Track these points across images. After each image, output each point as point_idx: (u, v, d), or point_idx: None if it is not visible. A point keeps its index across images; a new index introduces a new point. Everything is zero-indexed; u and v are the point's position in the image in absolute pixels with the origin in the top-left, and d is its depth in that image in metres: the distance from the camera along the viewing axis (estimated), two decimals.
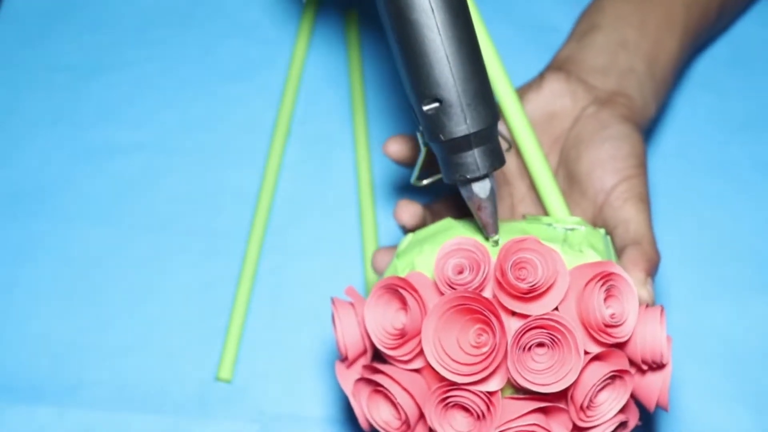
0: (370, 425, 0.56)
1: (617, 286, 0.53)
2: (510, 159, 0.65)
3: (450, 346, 0.52)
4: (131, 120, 0.78)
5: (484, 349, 0.51)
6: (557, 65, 0.67)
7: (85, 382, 0.69)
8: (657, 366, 0.55)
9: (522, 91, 0.65)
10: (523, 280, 0.52)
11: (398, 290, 0.53)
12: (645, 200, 0.60)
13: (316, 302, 0.71)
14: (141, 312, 0.71)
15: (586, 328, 0.53)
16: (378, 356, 0.57)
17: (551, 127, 0.65)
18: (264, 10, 0.82)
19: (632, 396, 0.56)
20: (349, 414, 0.68)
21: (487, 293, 0.53)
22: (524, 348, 0.52)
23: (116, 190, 0.75)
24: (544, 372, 0.52)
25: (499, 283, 0.52)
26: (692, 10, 0.69)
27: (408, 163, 0.64)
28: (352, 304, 0.56)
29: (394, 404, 0.54)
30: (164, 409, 0.68)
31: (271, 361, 0.70)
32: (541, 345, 0.52)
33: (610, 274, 0.53)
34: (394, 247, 0.64)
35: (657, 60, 0.67)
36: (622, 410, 0.55)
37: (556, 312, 0.52)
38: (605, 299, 0.53)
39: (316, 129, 0.77)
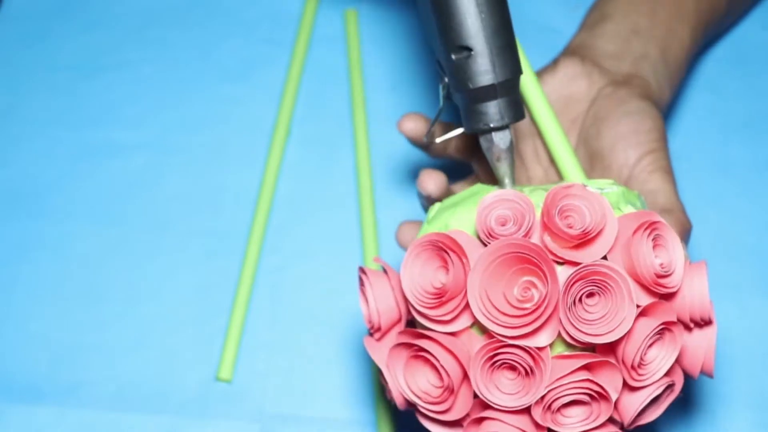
0: (406, 401, 0.53)
1: (663, 236, 0.51)
2: (526, 143, 0.65)
3: (497, 299, 0.50)
4: (131, 120, 0.78)
5: (534, 300, 0.49)
6: (570, 51, 0.67)
7: (85, 382, 0.69)
8: (704, 323, 0.53)
9: (539, 75, 0.65)
10: (571, 225, 0.50)
11: (439, 246, 0.51)
12: (670, 172, 0.60)
13: (316, 302, 0.71)
14: (141, 312, 0.71)
15: (636, 279, 0.51)
16: (410, 327, 0.55)
17: (568, 110, 0.64)
18: (264, 9, 0.82)
19: (678, 362, 0.54)
20: (349, 414, 0.68)
21: None
22: (575, 298, 0.49)
23: (116, 190, 0.75)
24: (597, 322, 0.50)
25: (547, 229, 0.50)
26: (701, 2, 0.69)
27: (422, 142, 0.64)
28: (384, 272, 0.54)
29: (435, 370, 0.52)
30: (164, 409, 0.68)
31: (271, 361, 0.70)
32: (591, 295, 0.50)
33: (656, 222, 0.51)
34: (419, 222, 0.63)
35: (670, 47, 0.67)
36: (668, 373, 0.53)
37: (606, 260, 0.50)
38: (652, 249, 0.51)
39: (316, 129, 0.77)
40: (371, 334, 0.55)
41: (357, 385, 0.69)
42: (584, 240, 0.50)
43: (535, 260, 0.49)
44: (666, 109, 0.66)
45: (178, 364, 0.69)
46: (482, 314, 0.50)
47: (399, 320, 0.54)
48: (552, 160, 0.64)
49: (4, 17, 0.81)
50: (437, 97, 0.78)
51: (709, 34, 0.72)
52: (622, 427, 0.53)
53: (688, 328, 0.54)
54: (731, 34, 0.80)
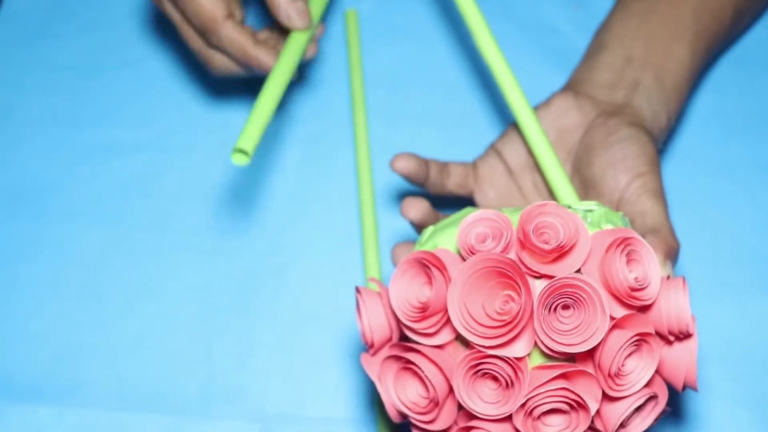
0: (399, 414, 0.56)
1: (637, 251, 0.53)
2: (517, 151, 0.67)
3: (476, 311, 0.52)
4: (131, 120, 0.78)
5: (510, 312, 0.51)
6: (567, 86, 0.68)
7: (85, 382, 0.69)
8: (683, 336, 0.54)
9: (533, 110, 0.66)
10: (546, 241, 0.52)
11: (424, 263, 0.53)
12: (660, 194, 0.61)
13: (316, 302, 0.71)
14: (141, 312, 0.71)
15: (611, 292, 0.53)
16: (404, 342, 0.57)
17: (562, 142, 0.66)
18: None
19: (659, 374, 0.56)
20: (349, 414, 0.68)
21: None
22: (550, 309, 0.52)
23: (116, 190, 0.75)
24: (571, 332, 0.52)
25: (522, 245, 0.53)
26: (702, 17, 0.70)
27: (417, 179, 0.66)
28: (378, 292, 0.57)
29: (422, 381, 0.54)
30: (164, 409, 0.68)
31: (271, 361, 0.70)
32: (566, 307, 0.52)
33: (630, 238, 0.53)
34: (413, 242, 0.66)
35: (666, 70, 0.68)
36: (649, 385, 0.55)
37: (580, 273, 0.52)
38: (627, 263, 0.53)
39: (316, 129, 0.77)
40: (368, 351, 0.57)
41: (357, 385, 0.69)
42: (558, 254, 0.52)
43: (510, 273, 0.52)
44: (664, 134, 0.67)
45: (178, 364, 0.69)
46: (461, 325, 0.52)
47: (390, 337, 0.57)
48: (550, 192, 0.65)
49: (4, 17, 0.82)
50: (436, 96, 0.78)
51: (717, 47, 0.72)
52: None
53: (668, 342, 0.55)
54: None
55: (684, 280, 0.54)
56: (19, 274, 0.72)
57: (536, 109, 0.67)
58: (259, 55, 0.66)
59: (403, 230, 0.73)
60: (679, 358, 0.55)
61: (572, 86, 0.68)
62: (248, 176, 0.75)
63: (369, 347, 0.57)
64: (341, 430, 0.68)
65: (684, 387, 0.56)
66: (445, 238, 0.56)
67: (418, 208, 0.64)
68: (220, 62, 0.69)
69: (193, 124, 0.77)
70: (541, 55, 0.78)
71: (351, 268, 0.72)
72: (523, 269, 0.53)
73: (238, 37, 0.66)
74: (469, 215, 0.54)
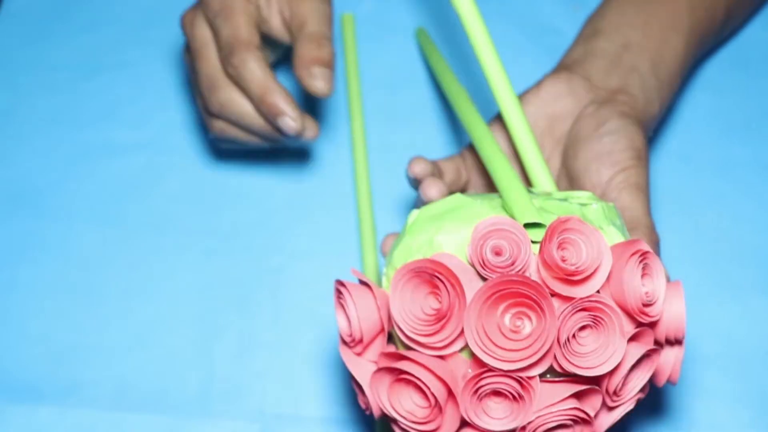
0: (382, 412, 0.54)
1: (650, 265, 0.52)
2: (504, 137, 0.65)
3: (493, 332, 0.50)
4: (131, 120, 0.78)
5: (530, 334, 0.50)
6: (561, 68, 0.67)
7: (85, 382, 0.69)
8: (677, 342, 0.54)
9: (523, 95, 0.65)
10: (566, 260, 0.51)
11: (429, 274, 0.51)
12: (642, 189, 0.60)
13: (316, 302, 0.71)
14: (141, 312, 0.71)
15: (622, 308, 0.52)
16: (389, 339, 0.55)
17: (553, 129, 0.65)
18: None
19: None
20: (349, 414, 0.68)
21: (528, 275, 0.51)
22: (570, 332, 0.50)
23: (116, 190, 0.75)
24: (590, 355, 0.51)
25: (545, 264, 0.51)
26: (697, 11, 0.70)
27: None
28: (366, 285, 0.54)
29: (419, 390, 0.52)
30: (164, 409, 0.68)
31: (271, 361, 0.70)
32: (583, 327, 0.51)
33: (645, 252, 0.52)
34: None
35: (661, 60, 0.67)
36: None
37: (599, 294, 0.51)
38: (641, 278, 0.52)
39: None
40: (348, 345, 0.55)
41: None
42: (582, 276, 0.51)
43: (535, 297, 0.50)
44: (654, 122, 0.67)
45: (178, 364, 0.69)
46: (480, 349, 0.50)
47: (377, 336, 0.55)
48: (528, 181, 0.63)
49: (4, 17, 0.82)
50: (434, 98, 0.78)
51: (707, 44, 0.72)
52: None
53: (661, 346, 0.55)
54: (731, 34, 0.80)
55: (681, 284, 0.53)
56: (19, 274, 0.72)
57: (526, 93, 0.65)
58: (277, 94, 0.65)
59: (400, 228, 0.73)
60: (668, 361, 0.55)
61: (567, 67, 0.67)
62: (248, 176, 0.75)
63: (354, 344, 0.54)
64: (341, 430, 0.68)
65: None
66: (445, 236, 0.53)
67: (422, 166, 0.62)
68: (220, 124, 0.68)
69: (193, 124, 0.77)
70: (541, 55, 0.78)
71: (350, 268, 0.72)
72: (547, 291, 0.51)
73: (263, 67, 0.65)
74: (480, 223, 0.51)
